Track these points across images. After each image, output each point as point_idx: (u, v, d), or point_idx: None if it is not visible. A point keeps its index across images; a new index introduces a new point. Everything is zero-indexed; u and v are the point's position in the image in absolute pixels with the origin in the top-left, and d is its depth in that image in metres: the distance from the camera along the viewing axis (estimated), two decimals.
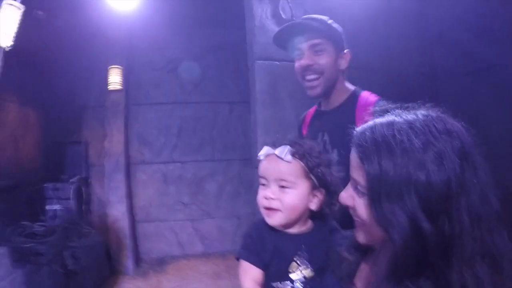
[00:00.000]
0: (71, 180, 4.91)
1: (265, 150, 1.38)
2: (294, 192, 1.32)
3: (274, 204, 1.32)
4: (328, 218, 1.41)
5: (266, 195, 1.33)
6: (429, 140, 0.83)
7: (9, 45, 3.04)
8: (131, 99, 5.53)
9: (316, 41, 1.87)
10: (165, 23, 5.14)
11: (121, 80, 5.20)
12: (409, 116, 0.90)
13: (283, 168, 1.32)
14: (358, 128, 0.99)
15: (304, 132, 2.13)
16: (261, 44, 3.17)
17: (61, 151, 5.20)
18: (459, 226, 0.80)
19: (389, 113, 0.96)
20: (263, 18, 3.49)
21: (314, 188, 1.34)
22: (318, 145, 1.44)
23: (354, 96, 1.93)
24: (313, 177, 1.33)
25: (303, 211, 1.35)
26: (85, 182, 5.21)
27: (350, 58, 1.95)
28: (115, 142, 5.27)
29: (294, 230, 1.37)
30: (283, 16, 3.52)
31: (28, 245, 3.72)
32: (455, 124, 0.88)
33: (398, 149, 0.84)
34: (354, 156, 0.96)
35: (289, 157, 1.31)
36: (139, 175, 5.61)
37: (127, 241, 5.16)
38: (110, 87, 5.17)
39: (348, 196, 0.99)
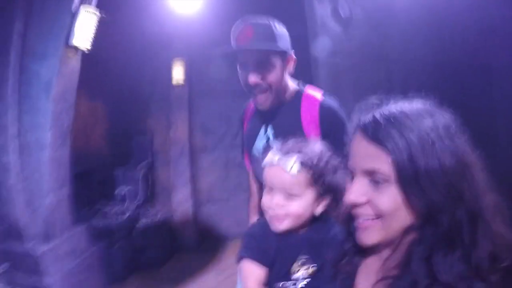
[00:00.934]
0: (139, 166, 5.28)
1: (269, 159, 1.34)
2: (299, 201, 1.30)
3: (280, 212, 1.30)
4: (329, 218, 1.38)
5: (272, 205, 1.32)
6: (435, 121, 0.86)
7: (88, 48, 3.37)
8: (193, 91, 5.75)
9: (263, 58, 1.79)
10: (224, 19, 5.28)
11: (183, 74, 5.44)
12: (408, 104, 0.92)
13: (288, 179, 1.29)
14: (360, 116, 0.94)
15: (245, 124, 2.11)
16: (323, 41, 3.33)
17: (128, 140, 5.52)
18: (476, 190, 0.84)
19: (385, 104, 0.93)
20: (324, 17, 3.59)
21: (319, 195, 1.33)
22: (325, 151, 1.38)
23: (298, 92, 1.93)
24: (319, 187, 1.31)
25: (309, 217, 1.34)
26: (151, 167, 5.56)
27: (295, 59, 1.91)
28: (179, 131, 5.58)
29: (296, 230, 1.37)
30: (342, 14, 3.61)
31: (102, 225, 4.15)
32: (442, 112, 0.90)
33: (418, 127, 0.84)
34: (366, 145, 0.89)
35: (295, 169, 1.28)
36: (202, 162, 5.86)
37: (190, 221, 5.52)
38: (174, 81, 5.42)
39: (358, 195, 0.91)
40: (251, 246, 1.36)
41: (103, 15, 3.57)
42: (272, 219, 1.33)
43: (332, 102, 1.89)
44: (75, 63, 3.37)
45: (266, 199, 1.34)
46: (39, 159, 3.20)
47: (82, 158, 4.30)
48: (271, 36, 1.79)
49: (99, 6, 3.43)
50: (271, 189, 1.34)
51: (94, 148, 4.90)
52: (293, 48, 1.90)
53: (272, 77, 1.80)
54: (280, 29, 1.86)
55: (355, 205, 0.92)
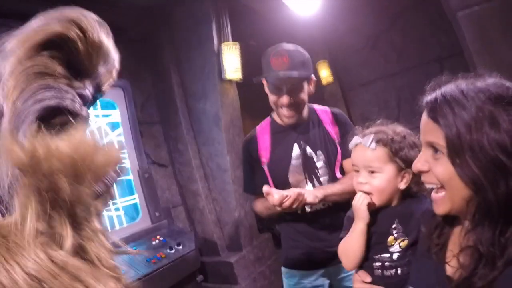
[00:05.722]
0: None
1: (353, 141, 1.50)
2: (381, 175, 1.42)
3: (365, 188, 1.44)
4: (421, 194, 1.44)
5: (358, 181, 1.46)
6: (493, 95, 0.88)
7: (240, 77, 3.67)
8: (344, 85, 5.81)
9: (296, 83, 2.05)
10: (353, 5, 4.97)
11: (330, 72, 5.51)
12: (470, 80, 0.96)
13: (369, 155, 1.42)
14: (427, 94, 1.02)
15: (264, 153, 2.23)
16: None
17: None
18: None
19: (449, 82, 0.99)
20: None
21: (401, 170, 1.42)
22: (404, 129, 1.48)
23: (312, 109, 2.27)
24: (398, 160, 1.40)
25: (393, 191, 1.44)
26: None
27: (315, 81, 2.18)
28: None
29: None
30: None
31: None
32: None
33: (471, 105, 0.89)
34: (426, 120, 0.99)
35: (373, 145, 1.41)
36: None
37: None
38: (324, 81, 5.49)
39: (422, 163, 1.02)
40: (348, 228, 1.50)
41: (251, 42, 3.88)
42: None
43: (338, 109, 2.32)
44: (233, 92, 3.80)
45: (355, 180, 1.50)
46: (223, 181, 3.71)
47: None
48: (303, 63, 2.07)
49: (233, 38, 3.74)
50: (357, 170, 1.49)
51: None
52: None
53: (300, 97, 2.09)
54: (307, 54, 2.13)
55: (420, 173, 1.04)
